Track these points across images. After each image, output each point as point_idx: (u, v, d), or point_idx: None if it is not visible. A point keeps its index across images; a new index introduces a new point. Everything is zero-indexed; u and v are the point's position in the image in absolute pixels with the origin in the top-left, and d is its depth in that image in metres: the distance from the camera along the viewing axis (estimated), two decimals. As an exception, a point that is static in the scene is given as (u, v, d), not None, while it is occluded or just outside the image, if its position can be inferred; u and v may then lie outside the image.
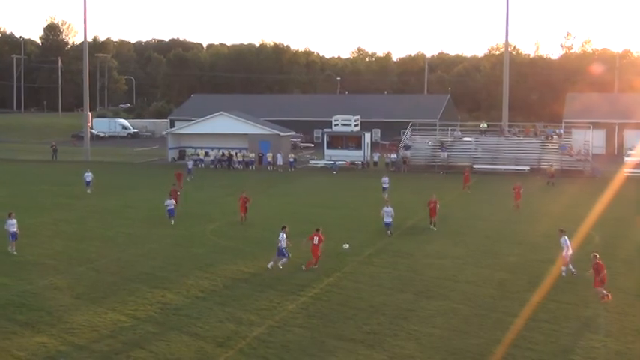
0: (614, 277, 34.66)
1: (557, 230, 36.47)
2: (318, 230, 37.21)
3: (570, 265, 34.89)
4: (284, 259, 36.52)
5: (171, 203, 49.64)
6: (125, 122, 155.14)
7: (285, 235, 36.55)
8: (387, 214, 44.93)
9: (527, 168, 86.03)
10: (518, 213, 54.91)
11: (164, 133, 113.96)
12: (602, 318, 28.66)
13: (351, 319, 28.37)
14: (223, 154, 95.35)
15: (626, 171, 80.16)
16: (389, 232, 44.94)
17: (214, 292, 32.32)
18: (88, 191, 64.88)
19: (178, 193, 54.86)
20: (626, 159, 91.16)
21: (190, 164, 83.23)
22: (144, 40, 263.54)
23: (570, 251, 35.05)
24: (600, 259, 30.64)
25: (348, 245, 40.23)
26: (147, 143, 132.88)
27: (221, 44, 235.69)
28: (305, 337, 26.25)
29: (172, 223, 48.34)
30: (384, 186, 63.89)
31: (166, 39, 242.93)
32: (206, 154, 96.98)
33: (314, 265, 36.36)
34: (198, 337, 26.23)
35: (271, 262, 36.71)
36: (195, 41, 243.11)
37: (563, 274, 34.55)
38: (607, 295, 30.00)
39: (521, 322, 27.98)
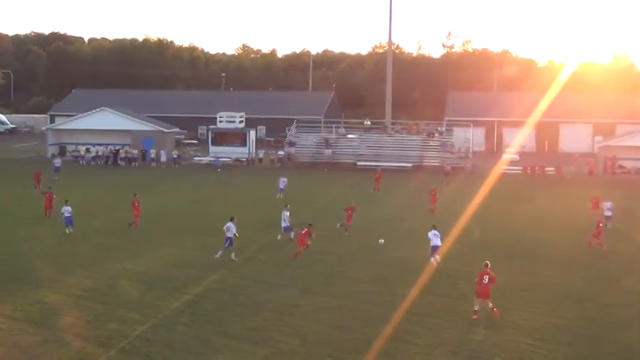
0: (493, 271, 35.62)
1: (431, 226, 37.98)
2: (310, 225, 39.39)
3: (437, 257, 36.63)
4: (233, 252, 37.53)
5: (67, 210, 44.58)
6: (2, 117, 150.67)
7: (233, 225, 37.50)
8: (285, 218, 43.35)
9: (410, 165, 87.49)
10: (404, 210, 55.78)
11: (44, 128, 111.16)
12: (482, 312, 29.33)
13: (237, 316, 28.25)
14: (116, 149, 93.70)
15: (503, 167, 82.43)
16: (281, 234, 42.85)
17: (96, 290, 31.66)
18: None
19: (54, 196, 49.82)
20: (504, 156, 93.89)
21: (57, 162, 78.58)
22: (22, 32, 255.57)
23: (439, 243, 36.90)
24: (489, 268, 29.45)
25: (382, 240, 41.18)
26: (26, 139, 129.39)
27: (103, 38, 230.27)
28: (189, 335, 26.00)
29: (68, 231, 44.06)
30: (281, 186, 61.91)
31: (46, 32, 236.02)
32: (87, 150, 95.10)
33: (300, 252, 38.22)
34: (79, 337, 25.61)
35: (220, 252, 37.34)
36: (76, 35, 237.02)
37: (434, 263, 36.26)
38: (474, 313, 28.51)
39: (405, 317, 28.41)
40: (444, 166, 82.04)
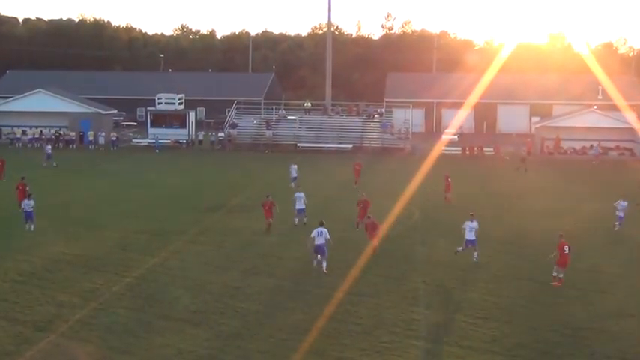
0: (433, 250, 36.08)
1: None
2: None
3: (475, 253, 34.47)
4: (324, 262, 32.60)
5: (29, 204, 40.30)
6: None
7: (326, 231, 32.92)
8: (300, 199, 42.56)
9: (351, 146, 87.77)
10: (345, 191, 55.83)
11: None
12: (422, 291, 29.63)
13: (178, 298, 28.12)
14: (57, 132, 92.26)
15: (442, 148, 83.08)
16: (304, 219, 41.84)
17: (34, 274, 31.19)
18: None
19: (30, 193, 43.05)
20: (443, 137, 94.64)
21: (49, 149, 73.62)
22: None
23: (473, 237, 34.30)
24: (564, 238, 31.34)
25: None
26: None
27: (38, 19, 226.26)
28: (130, 318, 25.80)
29: (30, 228, 39.75)
30: (294, 174, 57.76)
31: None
32: (23, 132, 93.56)
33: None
34: (16, 321, 25.24)
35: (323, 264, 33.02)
36: (10, 15, 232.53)
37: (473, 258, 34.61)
38: (555, 280, 30.85)
39: (346, 297, 28.55)
40: (520, 151, 79.34)
